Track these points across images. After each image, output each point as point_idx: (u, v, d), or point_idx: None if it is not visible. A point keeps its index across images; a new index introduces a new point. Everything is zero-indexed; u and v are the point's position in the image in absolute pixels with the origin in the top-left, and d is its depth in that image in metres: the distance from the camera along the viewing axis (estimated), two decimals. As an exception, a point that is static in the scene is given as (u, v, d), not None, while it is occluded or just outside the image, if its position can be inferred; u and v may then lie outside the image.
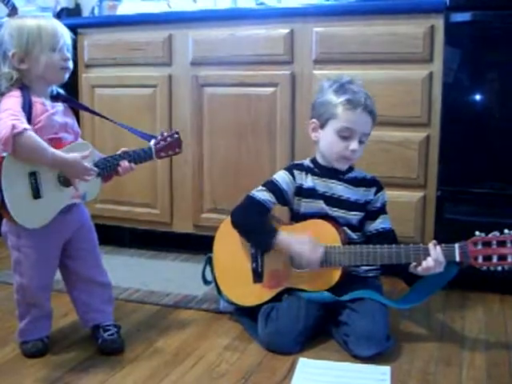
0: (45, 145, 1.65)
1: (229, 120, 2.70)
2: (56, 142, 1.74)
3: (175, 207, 2.89)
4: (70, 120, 1.84)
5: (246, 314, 2.04)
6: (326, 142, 1.99)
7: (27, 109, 1.69)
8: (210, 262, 2.14)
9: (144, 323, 2.11)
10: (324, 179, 2.02)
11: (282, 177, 2.04)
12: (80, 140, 1.87)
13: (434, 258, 1.80)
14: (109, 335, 1.88)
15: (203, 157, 2.77)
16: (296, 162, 2.14)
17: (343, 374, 1.72)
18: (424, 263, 1.81)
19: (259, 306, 1.97)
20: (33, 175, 1.68)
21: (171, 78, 2.80)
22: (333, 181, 2.01)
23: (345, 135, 1.93)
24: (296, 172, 2.04)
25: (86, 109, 2.10)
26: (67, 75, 1.82)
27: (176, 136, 2.00)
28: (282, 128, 2.60)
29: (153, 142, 1.96)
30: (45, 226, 1.73)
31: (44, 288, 1.85)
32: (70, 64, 1.80)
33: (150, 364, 1.79)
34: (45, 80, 1.78)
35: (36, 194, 1.69)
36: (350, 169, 2.04)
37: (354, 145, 1.93)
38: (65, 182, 1.75)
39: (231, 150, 2.71)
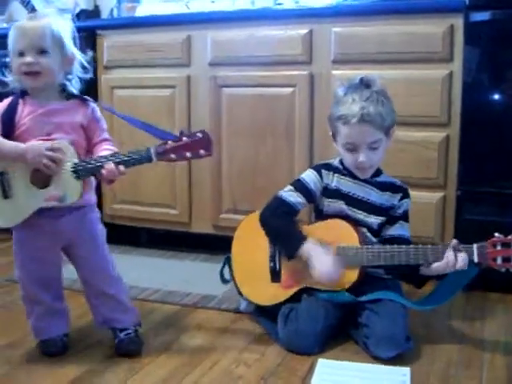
0: None
1: (247, 121, 2.71)
2: None
3: (194, 207, 2.89)
4: (77, 119, 1.78)
5: (266, 315, 2.03)
6: (341, 154, 2.00)
7: (9, 113, 1.72)
8: (228, 262, 2.15)
9: (163, 323, 2.11)
10: (351, 180, 2.01)
11: (309, 176, 2.04)
12: (62, 139, 1.73)
13: (445, 261, 1.81)
14: (125, 335, 1.87)
15: (222, 157, 2.78)
16: (324, 161, 2.12)
17: (363, 375, 1.72)
18: (435, 264, 1.83)
19: (278, 307, 1.97)
20: (1, 175, 1.70)
21: (190, 78, 2.81)
22: (360, 182, 2.00)
23: (350, 148, 1.93)
24: (324, 172, 2.03)
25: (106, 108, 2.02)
26: (36, 81, 1.73)
27: (199, 136, 1.72)
28: (301, 129, 2.60)
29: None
30: (31, 225, 1.74)
31: (38, 283, 1.83)
32: (36, 67, 1.70)
33: (169, 364, 1.80)
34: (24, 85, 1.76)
35: (4, 194, 1.71)
36: (379, 172, 2.03)
37: (361, 157, 1.92)
38: (38, 183, 1.71)
39: (250, 151, 2.71)
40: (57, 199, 1.71)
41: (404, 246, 1.87)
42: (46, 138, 1.71)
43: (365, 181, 2.00)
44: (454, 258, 1.79)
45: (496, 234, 1.78)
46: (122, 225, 2.99)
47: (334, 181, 2.02)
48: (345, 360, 1.81)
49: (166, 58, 2.83)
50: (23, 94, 1.77)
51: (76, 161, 1.70)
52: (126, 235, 3.00)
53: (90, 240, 1.85)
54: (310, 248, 1.90)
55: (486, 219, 2.24)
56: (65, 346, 1.87)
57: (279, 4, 3.00)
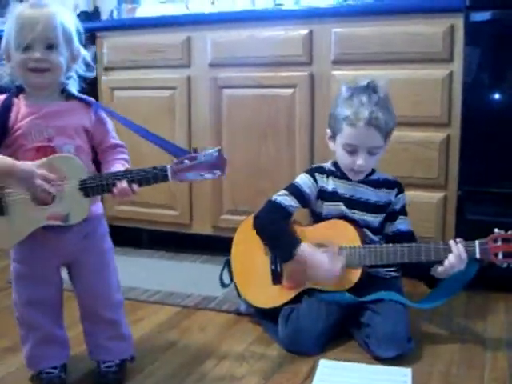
0: None
1: (248, 121, 2.70)
2: (46, 152, 1.53)
3: (194, 209, 2.89)
4: (80, 122, 1.60)
5: (267, 316, 2.03)
6: (338, 154, 2.00)
7: (3, 115, 1.53)
8: (228, 264, 2.14)
9: (164, 324, 2.11)
10: (345, 181, 2.01)
11: (304, 180, 2.04)
12: (66, 152, 1.55)
13: (456, 254, 1.80)
14: (106, 367, 1.69)
15: (222, 158, 2.77)
16: (317, 164, 2.13)
17: (364, 375, 1.71)
18: (446, 261, 1.82)
19: (279, 308, 1.96)
20: None
21: (190, 79, 2.81)
22: (355, 183, 2.01)
23: (350, 150, 1.93)
24: (318, 175, 2.04)
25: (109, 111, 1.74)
26: (43, 78, 1.54)
27: (214, 155, 1.54)
28: (301, 129, 2.60)
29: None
30: (29, 238, 1.55)
31: (35, 306, 1.63)
32: (44, 64, 1.52)
33: (171, 364, 1.80)
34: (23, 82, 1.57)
35: (0, 210, 1.53)
36: (372, 171, 2.04)
37: (360, 160, 1.92)
38: (39, 199, 1.52)
39: (250, 152, 2.71)
40: (60, 219, 1.53)
41: (406, 245, 1.87)
42: (46, 144, 1.54)
43: (360, 181, 2.01)
44: (463, 249, 1.81)
45: (496, 230, 1.79)
46: (122, 226, 2.98)
47: (330, 183, 2.02)
48: (346, 360, 1.80)
49: (166, 59, 2.83)
50: (18, 92, 1.58)
51: (84, 177, 1.53)
52: (126, 236, 2.99)
53: (95, 259, 1.66)
54: (305, 250, 1.91)
55: (487, 219, 2.23)
56: (63, 382, 1.67)
57: (279, 5, 3.00)
